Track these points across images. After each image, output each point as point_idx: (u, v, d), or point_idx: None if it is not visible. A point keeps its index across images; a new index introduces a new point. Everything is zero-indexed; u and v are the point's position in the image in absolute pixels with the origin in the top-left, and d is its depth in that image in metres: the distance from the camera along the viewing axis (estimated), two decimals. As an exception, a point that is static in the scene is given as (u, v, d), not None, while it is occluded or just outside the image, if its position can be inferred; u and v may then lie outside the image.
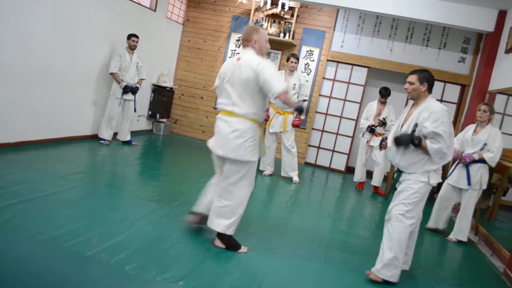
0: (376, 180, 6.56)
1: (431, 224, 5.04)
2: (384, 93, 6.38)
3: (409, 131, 3.19)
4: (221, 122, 3.26)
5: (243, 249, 3.36)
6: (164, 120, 8.64)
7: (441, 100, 7.47)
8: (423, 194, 3.22)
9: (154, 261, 2.88)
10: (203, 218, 3.51)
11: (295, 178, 6.29)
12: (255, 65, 3.11)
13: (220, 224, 3.28)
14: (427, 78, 3.23)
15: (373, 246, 4.12)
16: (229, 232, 3.30)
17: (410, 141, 3.13)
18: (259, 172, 6.45)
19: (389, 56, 7.69)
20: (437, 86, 7.47)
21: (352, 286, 3.18)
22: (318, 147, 8.18)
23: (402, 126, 3.33)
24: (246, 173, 3.27)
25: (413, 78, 3.25)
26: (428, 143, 3.09)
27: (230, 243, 3.33)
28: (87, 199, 3.94)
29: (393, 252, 3.21)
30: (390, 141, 3.37)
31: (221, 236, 3.32)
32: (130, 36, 6.34)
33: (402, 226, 3.21)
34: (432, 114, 3.11)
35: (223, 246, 3.32)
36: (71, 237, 2.99)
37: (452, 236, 4.79)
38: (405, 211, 3.21)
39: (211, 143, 3.38)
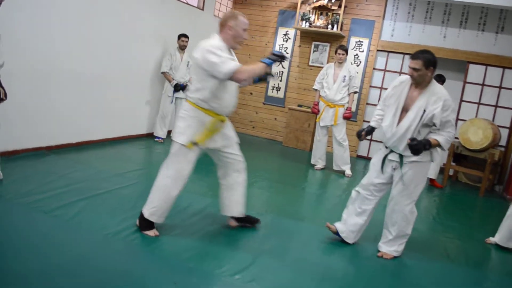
0: (432, 173, 6.35)
1: (501, 241, 4.06)
2: (438, 80, 6.16)
3: (417, 119, 3.10)
4: None
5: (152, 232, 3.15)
6: (215, 117, 8.75)
7: (499, 87, 7.11)
8: (425, 177, 3.35)
9: (211, 255, 2.95)
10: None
11: (348, 172, 6.21)
12: (203, 47, 2.96)
13: None
14: (433, 62, 3.08)
15: (431, 241, 4.02)
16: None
17: (423, 148, 3.05)
18: (311, 166, 6.43)
19: (443, 43, 7.40)
20: (495, 72, 7.12)
21: (410, 283, 3.11)
22: (370, 140, 8.03)
23: (402, 110, 3.22)
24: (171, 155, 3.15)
25: (418, 64, 3.06)
26: (440, 138, 3.11)
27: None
28: (144, 195, 4.03)
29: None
30: (388, 121, 3.26)
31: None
32: (180, 37, 6.49)
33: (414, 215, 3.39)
34: (445, 102, 3.06)
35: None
36: (131, 232, 3.12)
37: (499, 242, 4.05)
38: (413, 204, 3.35)
39: None
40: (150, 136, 6.79)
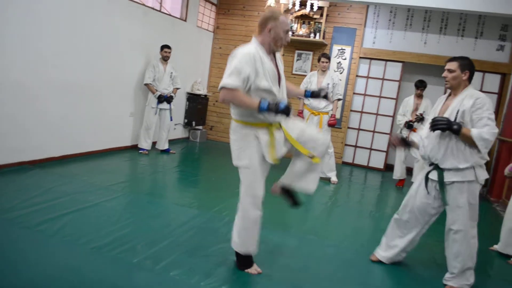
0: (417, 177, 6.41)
1: (500, 248, 4.04)
2: (419, 85, 6.25)
3: (451, 119, 2.89)
4: None
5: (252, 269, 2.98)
6: (200, 127, 8.76)
7: (480, 91, 7.21)
8: (476, 197, 2.97)
9: (197, 267, 2.93)
10: None
11: (333, 178, 6.24)
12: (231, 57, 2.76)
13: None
14: (469, 66, 2.98)
15: (418, 245, 4.03)
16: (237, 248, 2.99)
17: (448, 126, 2.81)
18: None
19: (423, 49, 7.52)
20: (476, 76, 7.16)
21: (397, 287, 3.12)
22: (355, 146, 8.09)
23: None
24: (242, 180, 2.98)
25: (453, 65, 2.98)
26: (472, 129, 2.80)
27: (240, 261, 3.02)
28: (130, 208, 4.04)
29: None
30: (425, 133, 3.14)
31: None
32: (162, 48, 6.49)
33: (474, 241, 3.07)
34: (476, 100, 2.84)
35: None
36: (117, 245, 3.08)
37: (499, 249, 4.05)
38: (472, 231, 3.04)
39: None
40: (134, 148, 6.74)
